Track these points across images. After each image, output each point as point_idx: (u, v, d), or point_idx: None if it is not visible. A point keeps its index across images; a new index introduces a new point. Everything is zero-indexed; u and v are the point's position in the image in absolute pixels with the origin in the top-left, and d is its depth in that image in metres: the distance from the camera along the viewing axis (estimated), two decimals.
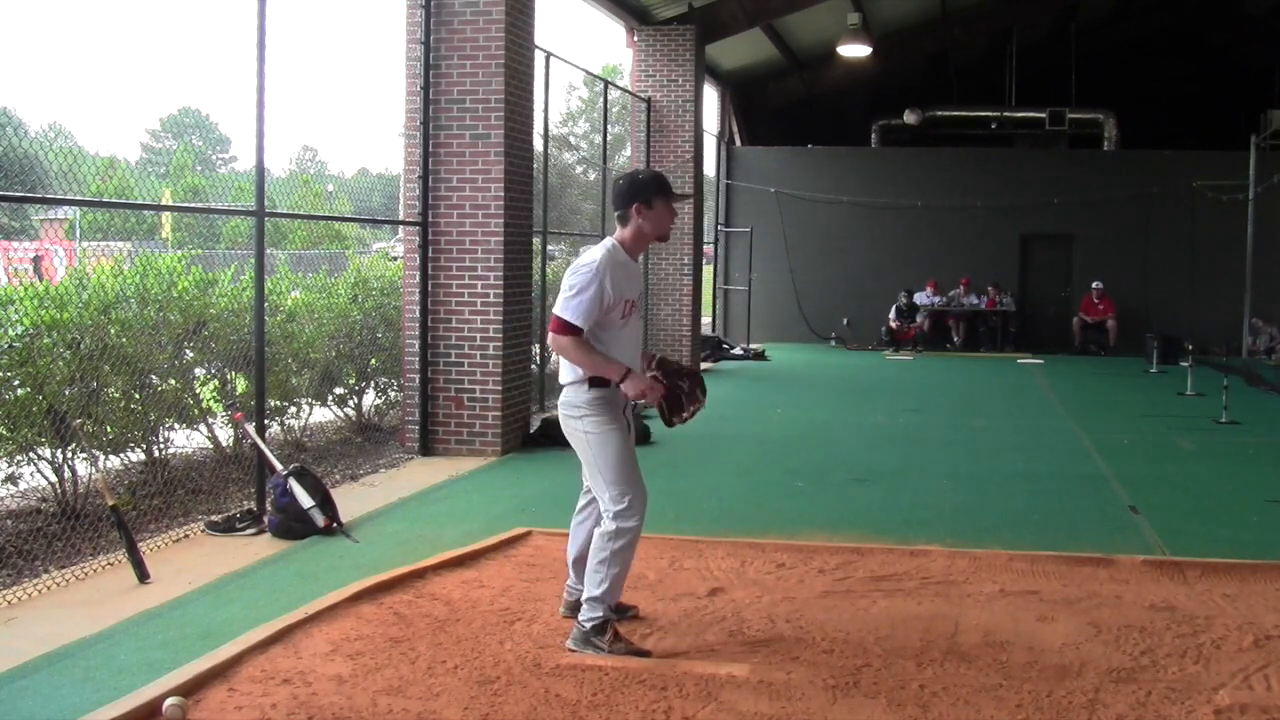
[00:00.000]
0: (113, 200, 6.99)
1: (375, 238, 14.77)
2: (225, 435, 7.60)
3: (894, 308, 18.65)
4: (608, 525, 4.20)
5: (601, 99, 14.68)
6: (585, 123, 36.88)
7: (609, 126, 16.14)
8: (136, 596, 5.03)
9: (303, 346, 8.43)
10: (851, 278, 19.35)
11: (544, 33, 9.98)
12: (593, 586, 4.20)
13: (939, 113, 20.35)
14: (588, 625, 4.20)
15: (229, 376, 7.59)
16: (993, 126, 20.36)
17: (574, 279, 4.17)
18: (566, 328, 4.14)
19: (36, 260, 8.69)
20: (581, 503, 4.58)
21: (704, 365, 15.76)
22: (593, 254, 4.24)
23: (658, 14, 14.68)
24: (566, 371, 4.31)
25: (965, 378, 14.93)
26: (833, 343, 19.29)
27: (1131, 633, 4.51)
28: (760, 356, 17.05)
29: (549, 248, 11.57)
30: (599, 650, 4.15)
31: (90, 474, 6.41)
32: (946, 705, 3.77)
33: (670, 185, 4.40)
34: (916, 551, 5.76)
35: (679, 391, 4.43)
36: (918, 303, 18.78)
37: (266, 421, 7.01)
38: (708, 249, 18.75)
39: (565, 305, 4.15)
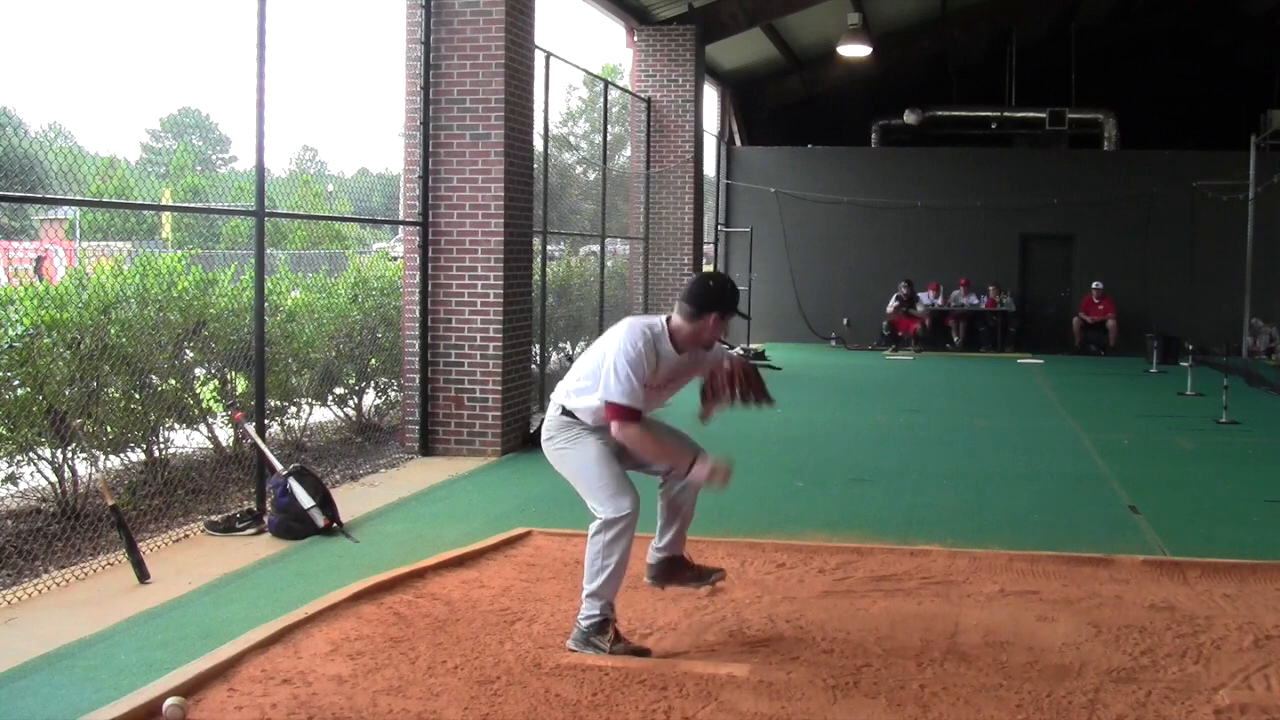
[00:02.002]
0: (113, 200, 6.98)
1: (375, 237, 14.76)
2: (225, 435, 7.59)
3: (894, 296, 18.55)
4: (597, 522, 4.18)
5: (601, 99, 14.67)
6: (585, 123, 36.84)
7: (609, 126, 16.12)
8: (136, 596, 5.03)
9: (303, 346, 8.42)
10: (851, 278, 19.34)
11: (544, 33, 9.99)
12: (589, 581, 4.20)
13: (939, 113, 20.35)
14: (586, 624, 4.20)
15: (229, 376, 7.59)
16: (993, 126, 20.35)
17: (620, 357, 4.05)
18: (627, 414, 4.03)
19: (38, 261, 8.67)
20: (659, 481, 4.48)
21: None
22: (637, 334, 4.10)
23: (658, 14, 14.68)
24: (560, 391, 4.30)
25: (965, 378, 14.93)
26: (833, 343, 19.28)
27: (1131, 633, 4.50)
28: (760, 357, 17.05)
29: (549, 248, 11.57)
30: (599, 650, 4.15)
31: (90, 474, 6.41)
32: (946, 705, 3.77)
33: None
34: (916, 551, 5.76)
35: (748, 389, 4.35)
36: (921, 301, 18.72)
37: (266, 421, 7.01)
38: (708, 249, 18.75)
39: (616, 389, 4.02)
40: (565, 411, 4.28)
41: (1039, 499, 7.31)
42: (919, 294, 18.74)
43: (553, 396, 4.37)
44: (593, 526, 4.19)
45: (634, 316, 4.29)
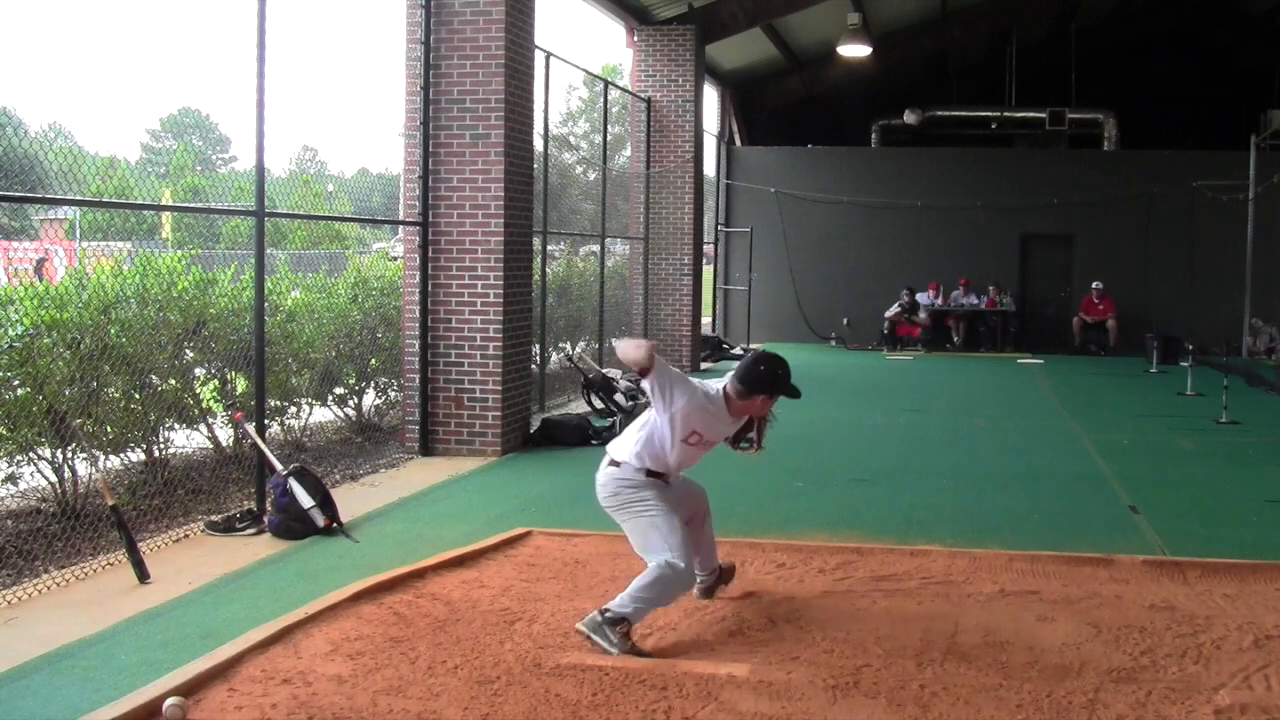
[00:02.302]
0: (113, 200, 6.97)
1: (375, 237, 14.75)
2: (225, 435, 7.59)
3: (896, 303, 18.54)
4: (674, 564, 4.30)
5: (601, 99, 14.68)
6: (585, 123, 36.84)
7: (609, 126, 16.12)
8: (136, 596, 5.03)
9: (303, 346, 8.42)
10: (851, 278, 19.35)
11: (544, 33, 9.99)
12: (639, 590, 4.28)
13: (939, 113, 20.35)
14: (612, 613, 4.22)
15: (229, 376, 7.59)
16: (993, 126, 20.35)
17: (693, 388, 4.43)
18: (651, 363, 4.27)
19: (40, 263, 8.67)
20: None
21: (704, 365, 15.76)
22: (708, 393, 4.45)
23: (658, 14, 14.68)
24: (618, 446, 4.54)
25: (965, 378, 14.92)
26: (833, 343, 19.29)
27: (1131, 633, 4.50)
28: None
29: (549, 248, 11.57)
30: (607, 641, 4.15)
31: (90, 474, 6.41)
32: (946, 705, 3.77)
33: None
34: (916, 551, 5.76)
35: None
36: (920, 301, 18.72)
37: (266, 421, 7.01)
38: (708, 249, 18.76)
39: (676, 377, 4.38)
40: (617, 463, 4.52)
41: (1039, 499, 7.31)
42: (920, 293, 18.73)
43: (608, 449, 4.60)
44: (663, 560, 4.32)
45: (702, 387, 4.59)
